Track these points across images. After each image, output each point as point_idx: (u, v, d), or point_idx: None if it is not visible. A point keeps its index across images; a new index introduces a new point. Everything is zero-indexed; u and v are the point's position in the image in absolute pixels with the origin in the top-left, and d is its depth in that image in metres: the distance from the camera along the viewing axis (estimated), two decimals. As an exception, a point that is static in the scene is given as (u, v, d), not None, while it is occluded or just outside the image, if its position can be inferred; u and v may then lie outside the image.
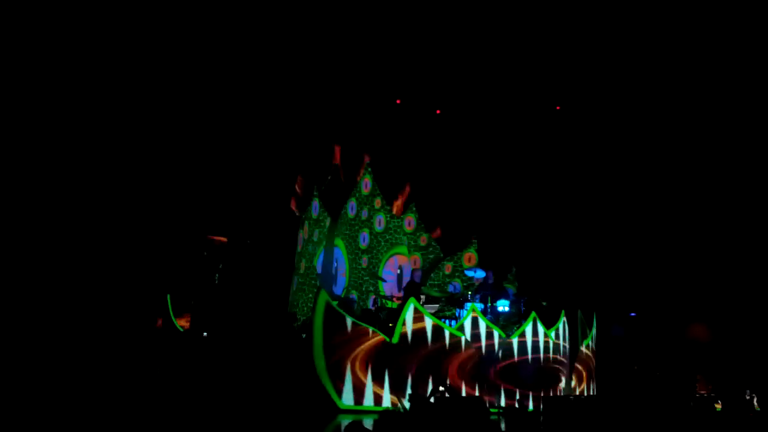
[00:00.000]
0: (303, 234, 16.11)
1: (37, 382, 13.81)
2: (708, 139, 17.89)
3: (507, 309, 13.81)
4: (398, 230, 15.74)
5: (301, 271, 15.69)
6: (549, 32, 16.90)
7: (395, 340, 12.54)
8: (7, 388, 13.01)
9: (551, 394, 13.23)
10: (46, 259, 15.49)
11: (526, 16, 16.56)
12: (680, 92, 17.84)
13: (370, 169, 15.90)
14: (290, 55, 16.78)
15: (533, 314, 13.36)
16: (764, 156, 17.55)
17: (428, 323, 12.68)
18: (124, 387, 14.78)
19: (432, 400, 10.77)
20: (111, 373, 14.82)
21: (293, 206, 16.34)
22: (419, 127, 18.08)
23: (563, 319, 13.94)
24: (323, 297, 12.63)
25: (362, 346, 12.52)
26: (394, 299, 14.48)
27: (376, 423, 7.17)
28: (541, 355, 13.29)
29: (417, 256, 15.89)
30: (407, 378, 12.47)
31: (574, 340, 14.25)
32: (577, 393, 14.13)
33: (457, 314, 13.70)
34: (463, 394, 12.46)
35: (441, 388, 11.73)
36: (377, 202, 15.78)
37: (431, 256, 15.94)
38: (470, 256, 15.92)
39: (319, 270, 15.45)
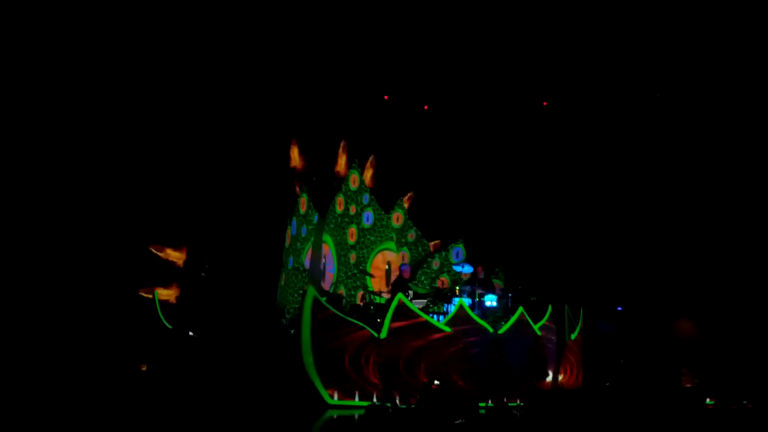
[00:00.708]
0: (291, 230, 16.12)
1: (20, 380, 13.76)
2: (692, 135, 18.00)
3: (494, 304, 13.87)
4: (387, 226, 15.77)
5: (289, 268, 15.71)
6: (537, 30, 16.94)
7: (383, 335, 12.57)
8: None
9: (538, 389, 13.30)
10: (25, 255, 15.37)
11: (518, 13, 16.58)
12: (662, 83, 17.94)
13: (357, 165, 15.91)
14: (278, 50, 16.72)
15: (520, 309, 13.42)
16: (748, 151, 17.67)
17: (416, 318, 12.70)
18: (111, 385, 14.77)
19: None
20: (97, 371, 14.80)
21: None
22: (406, 123, 18.09)
23: (550, 313, 14.03)
24: (311, 293, 12.64)
25: (350, 342, 12.55)
26: (382, 294, 14.52)
27: (361, 418, 7.19)
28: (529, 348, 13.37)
29: (405, 251, 15.92)
30: (396, 373, 12.51)
31: (561, 334, 14.33)
32: (564, 387, 14.21)
33: (445, 309, 13.74)
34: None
35: (436, 382, 11.77)
36: (365, 198, 15.80)
37: (419, 252, 15.98)
38: (458, 251, 15.96)
39: (307, 266, 15.46)
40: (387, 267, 15.75)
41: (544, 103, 18.40)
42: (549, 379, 13.74)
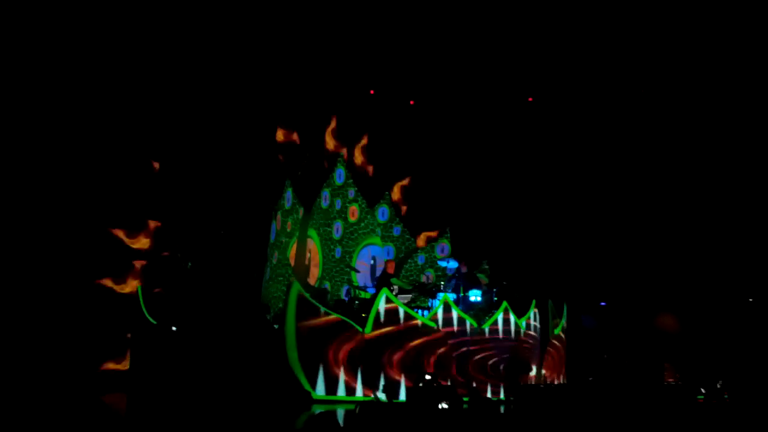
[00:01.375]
0: (276, 225, 16.08)
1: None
2: (677, 128, 18.10)
3: (479, 299, 13.93)
4: (372, 221, 15.78)
5: (274, 262, 15.68)
6: (527, 24, 16.94)
7: (368, 330, 12.59)
8: None
9: (521, 383, 13.38)
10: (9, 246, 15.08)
11: (513, 6, 16.55)
12: (647, 78, 18.02)
13: (342, 160, 15.91)
14: (265, 33, 16.49)
15: (504, 304, 13.49)
16: (733, 145, 17.79)
17: (401, 313, 12.74)
18: (93, 379, 14.71)
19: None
20: (81, 364, 14.71)
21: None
22: (393, 116, 18.07)
23: (534, 308, 14.12)
24: (296, 288, 12.64)
25: (335, 337, 12.56)
26: (367, 290, 14.54)
27: (348, 414, 7.18)
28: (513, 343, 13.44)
29: (390, 246, 15.95)
30: (380, 368, 12.54)
31: (545, 329, 14.41)
32: (547, 381, 14.31)
33: (429, 304, 13.79)
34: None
35: (427, 377, 11.81)
36: (351, 193, 15.81)
37: (404, 247, 16.02)
38: (443, 246, 16.02)
39: (291, 261, 15.43)
40: (372, 262, 15.78)
41: (529, 99, 18.43)
42: (533, 373, 13.82)
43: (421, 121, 18.12)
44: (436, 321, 12.91)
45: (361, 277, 15.51)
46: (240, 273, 15.35)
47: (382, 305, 12.69)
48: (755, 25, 16.32)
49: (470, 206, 17.77)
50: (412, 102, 18.32)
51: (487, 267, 15.69)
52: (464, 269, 14.23)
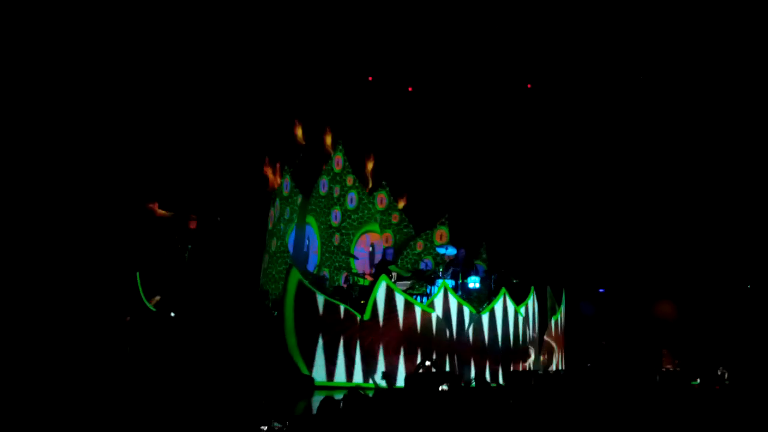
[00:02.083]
0: (274, 212, 16.05)
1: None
2: (673, 119, 18.08)
3: (477, 286, 13.93)
4: (370, 207, 15.75)
5: (272, 249, 15.66)
6: (525, 9, 16.88)
7: (366, 316, 12.60)
8: None
9: (519, 369, 13.41)
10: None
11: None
12: (643, 72, 18.00)
13: (341, 147, 15.86)
14: (250, 30, 16.45)
15: (503, 290, 13.50)
16: (729, 137, 17.78)
17: (399, 300, 12.75)
18: (93, 368, 14.69)
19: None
20: (79, 355, 14.69)
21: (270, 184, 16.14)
22: (389, 102, 18.02)
23: (533, 295, 14.13)
24: (295, 274, 12.64)
25: (334, 323, 12.57)
26: (366, 276, 14.53)
27: (346, 398, 7.19)
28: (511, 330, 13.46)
29: (389, 233, 15.92)
30: (378, 354, 12.56)
31: (544, 316, 14.43)
32: (546, 368, 14.33)
33: (428, 291, 13.79)
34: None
35: (428, 363, 11.83)
36: (349, 180, 15.77)
37: (403, 234, 15.99)
38: (442, 233, 15.98)
39: (290, 248, 15.42)
40: (371, 249, 15.77)
41: (528, 86, 18.39)
42: (531, 360, 13.85)
43: (418, 106, 18.07)
44: (434, 307, 12.92)
45: (360, 264, 15.49)
46: (238, 259, 15.34)
47: (381, 292, 12.69)
48: (755, 24, 16.30)
49: (469, 193, 17.76)
50: (410, 89, 18.27)
51: (485, 256, 15.66)
52: (463, 256, 14.21)
